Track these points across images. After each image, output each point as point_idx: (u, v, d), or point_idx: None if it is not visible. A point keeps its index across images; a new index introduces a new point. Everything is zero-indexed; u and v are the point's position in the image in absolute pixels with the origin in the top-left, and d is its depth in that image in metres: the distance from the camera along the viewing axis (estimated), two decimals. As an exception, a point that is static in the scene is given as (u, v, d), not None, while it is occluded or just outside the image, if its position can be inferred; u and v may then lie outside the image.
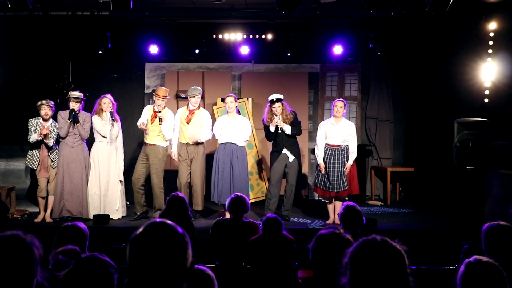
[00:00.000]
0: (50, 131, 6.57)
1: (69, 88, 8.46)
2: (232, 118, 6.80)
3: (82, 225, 3.24)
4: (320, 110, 9.18)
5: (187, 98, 7.00)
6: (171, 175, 7.19)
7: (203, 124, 6.80)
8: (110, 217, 6.58)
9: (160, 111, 6.68)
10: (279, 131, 6.62)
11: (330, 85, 9.21)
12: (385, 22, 8.01)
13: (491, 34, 6.79)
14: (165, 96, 6.78)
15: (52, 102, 6.69)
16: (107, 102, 6.69)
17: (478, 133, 6.15)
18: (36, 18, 7.37)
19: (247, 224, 4.40)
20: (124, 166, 7.02)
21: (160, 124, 6.65)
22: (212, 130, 6.86)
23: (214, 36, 8.34)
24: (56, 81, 8.81)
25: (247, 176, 6.87)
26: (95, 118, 6.68)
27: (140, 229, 1.52)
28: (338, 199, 6.55)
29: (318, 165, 6.57)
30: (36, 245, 1.60)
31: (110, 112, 6.68)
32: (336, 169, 6.42)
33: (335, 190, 6.42)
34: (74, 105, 6.54)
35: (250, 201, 5.04)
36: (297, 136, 6.78)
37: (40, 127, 6.50)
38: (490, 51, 6.80)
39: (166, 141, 6.83)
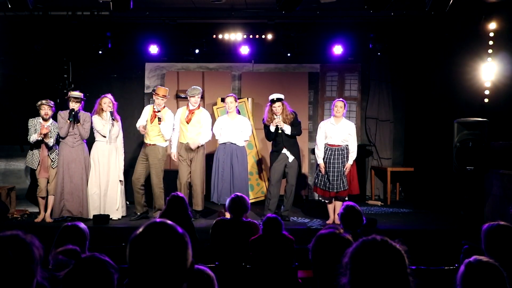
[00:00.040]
0: (50, 130, 6.57)
1: (69, 88, 8.46)
2: (232, 118, 6.80)
3: (82, 225, 3.24)
4: (320, 110, 9.18)
5: (187, 98, 7.00)
6: (171, 175, 7.19)
7: (203, 124, 6.80)
8: (110, 217, 6.58)
9: (159, 111, 6.68)
10: (279, 131, 6.62)
11: (330, 85, 9.21)
12: (385, 22, 8.01)
13: (491, 34, 6.79)
14: (165, 96, 6.78)
15: (52, 102, 6.69)
16: (107, 101, 6.69)
17: (478, 133, 6.15)
18: (36, 18, 7.38)
19: (247, 224, 4.40)
20: (124, 166, 7.02)
21: (159, 124, 6.65)
22: (212, 130, 6.87)
23: (214, 36, 8.34)
24: (56, 81, 8.81)
25: (247, 176, 6.87)
26: (95, 118, 6.68)
27: (140, 229, 1.52)
28: (338, 199, 6.55)
29: (318, 165, 6.57)
30: (36, 245, 1.61)
31: (110, 112, 6.68)
32: (336, 169, 6.42)
33: (335, 190, 6.42)
34: (74, 105, 6.54)
35: (250, 201, 5.03)
36: (297, 136, 6.79)
37: (40, 127, 6.50)
38: (490, 51, 6.80)
39: (166, 141, 6.83)
